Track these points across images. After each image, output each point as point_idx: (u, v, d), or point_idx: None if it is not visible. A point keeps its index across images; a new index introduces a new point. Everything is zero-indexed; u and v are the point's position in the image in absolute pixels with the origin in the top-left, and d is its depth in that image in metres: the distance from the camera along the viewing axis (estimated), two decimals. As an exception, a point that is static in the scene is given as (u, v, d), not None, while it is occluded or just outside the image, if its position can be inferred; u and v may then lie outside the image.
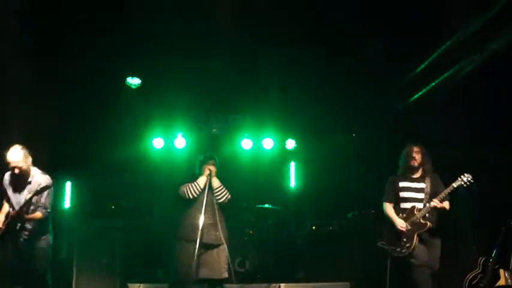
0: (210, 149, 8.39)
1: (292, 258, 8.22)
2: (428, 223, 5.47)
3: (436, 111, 7.38)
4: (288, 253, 8.30)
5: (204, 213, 5.67)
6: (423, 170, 5.74)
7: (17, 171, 5.22)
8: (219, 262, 5.79)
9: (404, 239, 5.50)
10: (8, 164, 5.22)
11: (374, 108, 8.58)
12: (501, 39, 5.89)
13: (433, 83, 7.17)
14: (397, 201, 5.74)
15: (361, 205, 7.99)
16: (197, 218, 5.63)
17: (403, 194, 5.70)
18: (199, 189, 5.77)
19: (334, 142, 8.88)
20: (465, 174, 5.38)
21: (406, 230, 5.50)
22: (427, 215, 5.50)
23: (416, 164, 5.69)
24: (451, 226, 6.95)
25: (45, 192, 5.24)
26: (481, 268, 5.83)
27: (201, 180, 5.82)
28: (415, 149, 5.72)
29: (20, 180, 5.32)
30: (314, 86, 8.44)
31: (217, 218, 5.79)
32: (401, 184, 5.73)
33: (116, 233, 7.39)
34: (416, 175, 5.76)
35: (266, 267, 8.00)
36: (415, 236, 5.47)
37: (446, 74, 6.84)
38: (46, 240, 5.36)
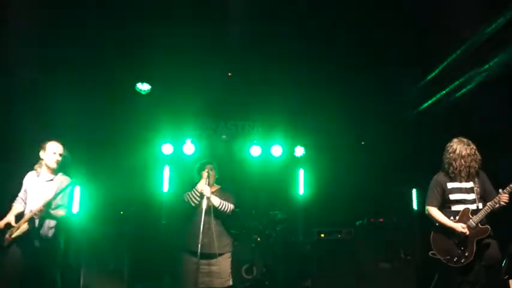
0: (219, 156, 8.47)
1: (300, 265, 8.18)
2: (489, 227, 5.08)
3: (445, 119, 7.35)
4: (296, 261, 8.27)
5: (203, 222, 5.69)
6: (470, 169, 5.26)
7: (59, 159, 5.37)
8: (223, 271, 5.78)
9: (462, 247, 5.09)
10: (52, 152, 5.35)
11: (383, 116, 8.56)
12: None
13: (444, 92, 7.14)
14: (445, 203, 5.31)
15: (369, 213, 7.96)
16: (198, 228, 5.63)
17: (453, 197, 5.25)
18: (198, 195, 5.76)
19: (343, 150, 8.84)
20: None
21: (463, 237, 5.07)
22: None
23: (464, 168, 5.20)
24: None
25: (67, 192, 5.39)
26: (490, 278, 5.76)
27: (199, 186, 5.80)
28: (468, 150, 5.22)
29: (43, 180, 5.41)
30: (323, 94, 8.43)
31: (214, 228, 5.76)
32: (450, 185, 5.27)
33: (124, 238, 7.40)
34: (463, 174, 5.26)
35: (274, 275, 7.97)
36: (474, 243, 5.05)
37: (456, 83, 6.80)
38: (58, 243, 5.40)
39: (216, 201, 5.80)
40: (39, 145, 5.43)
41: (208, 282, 5.70)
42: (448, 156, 5.31)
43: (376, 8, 6.34)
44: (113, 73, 7.85)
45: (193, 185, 5.94)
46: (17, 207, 5.41)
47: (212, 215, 5.74)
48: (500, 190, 5.05)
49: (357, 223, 8.01)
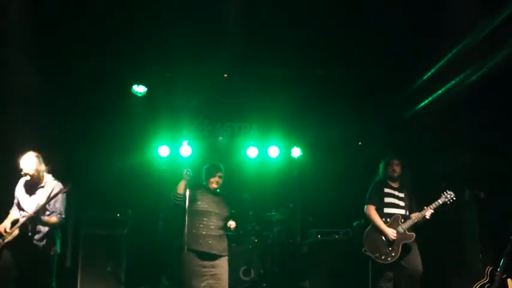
0: (216, 158, 8.45)
1: (298, 267, 8.18)
2: (414, 234, 5.82)
3: (443, 119, 7.36)
4: (293, 262, 8.27)
5: (210, 223, 5.69)
6: (400, 182, 6.21)
7: (28, 177, 5.28)
8: (225, 273, 5.77)
9: (390, 248, 5.82)
10: (20, 170, 5.27)
11: (380, 117, 8.56)
12: (508, 48, 5.85)
13: (439, 91, 7.14)
14: (380, 205, 6.04)
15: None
16: (201, 228, 5.63)
17: (387, 200, 6.06)
18: (179, 196, 5.69)
19: (340, 150, 8.84)
20: (448, 191, 5.80)
21: (392, 240, 5.81)
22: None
23: (396, 175, 6.15)
24: (458, 235, 6.92)
25: (60, 198, 5.34)
26: (488, 277, 5.77)
27: (180, 187, 5.72)
28: (396, 161, 6.18)
29: (33, 186, 5.38)
30: (320, 94, 8.43)
31: (222, 230, 5.83)
32: (386, 190, 6.12)
33: (121, 240, 7.38)
34: (396, 185, 6.18)
35: (271, 276, 7.96)
36: (400, 246, 5.79)
37: (452, 82, 6.80)
38: (54, 248, 5.39)
39: (233, 225, 5.93)
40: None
41: (213, 284, 5.67)
42: (382, 167, 6.28)
43: (372, 10, 6.34)
44: (108, 75, 7.84)
45: (199, 185, 5.97)
46: (13, 214, 5.39)
47: (221, 217, 5.80)
48: (425, 207, 5.83)
49: (354, 224, 8.00)
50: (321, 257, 7.81)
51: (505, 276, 5.66)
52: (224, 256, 5.81)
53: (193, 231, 5.70)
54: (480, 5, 5.72)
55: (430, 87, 7.33)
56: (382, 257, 5.80)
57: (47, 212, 5.29)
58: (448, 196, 5.77)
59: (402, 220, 5.89)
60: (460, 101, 6.93)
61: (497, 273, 5.68)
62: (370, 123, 8.71)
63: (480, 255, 6.51)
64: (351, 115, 8.67)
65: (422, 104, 7.62)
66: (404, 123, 8.31)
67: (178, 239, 5.73)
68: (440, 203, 5.80)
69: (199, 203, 5.81)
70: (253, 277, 7.79)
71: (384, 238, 5.86)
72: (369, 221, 6.04)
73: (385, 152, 8.07)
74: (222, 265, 5.77)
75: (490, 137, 6.59)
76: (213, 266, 5.70)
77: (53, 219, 5.31)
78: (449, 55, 6.57)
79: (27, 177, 5.29)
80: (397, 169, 6.14)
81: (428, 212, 5.78)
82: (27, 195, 5.36)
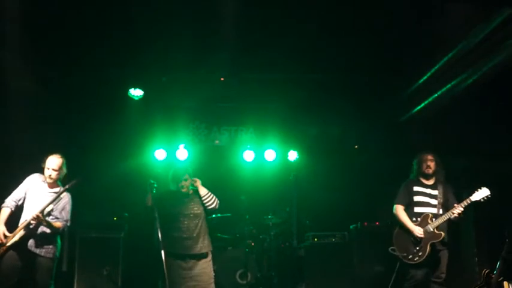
0: (212, 161, 8.47)
1: (294, 270, 8.18)
2: (443, 233, 5.65)
3: (439, 122, 7.38)
4: (290, 265, 8.27)
5: (183, 225, 5.69)
6: (436, 178, 5.96)
7: (54, 175, 5.36)
8: (206, 274, 5.75)
9: (417, 248, 5.68)
10: (46, 167, 5.38)
11: (376, 120, 8.58)
12: (504, 51, 5.89)
13: (435, 95, 7.17)
14: (409, 204, 5.91)
15: (363, 217, 7.97)
16: (173, 231, 5.70)
17: (417, 198, 5.89)
18: (149, 207, 5.73)
19: (337, 154, 8.86)
20: (482, 187, 5.52)
21: (419, 239, 5.66)
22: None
23: (430, 171, 5.94)
24: (454, 238, 6.93)
25: (67, 207, 5.46)
26: (484, 280, 5.78)
27: (148, 200, 5.77)
28: (430, 157, 5.98)
29: (44, 189, 5.45)
30: (317, 98, 8.45)
31: (201, 230, 5.78)
32: (416, 188, 5.94)
33: (117, 244, 7.37)
34: (430, 182, 5.98)
35: (268, 279, 7.96)
36: (428, 246, 5.63)
37: (448, 86, 6.83)
38: (53, 252, 5.41)
39: (203, 190, 5.84)
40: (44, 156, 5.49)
41: (194, 286, 5.67)
42: (415, 164, 6.09)
43: (369, 13, 6.36)
44: (105, 79, 7.83)
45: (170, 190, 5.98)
46: (5, 211, 5.33)
47: (195, 218, 5.76)
48: (455, 204, 5.66)
49: (351, 227, 8.01)
50: (318, 260, 7.80)
51: (501, 279, 5.66)
52: (205, 256, 5.79)
53: (168, 235, 5.72)
54: (476, 9, 5.75)
55: (427, 90, 7.36)
56: (410, 257, 5.69)
57: (51, 217, 5.33)
58: (482, 193, 5.49)
59: (432, 219, 5.72)
60: (459, 103, 6.96)
61: (493, 275, 5.69)
62: (367, 127, 8.73)
63: (476, 258, 6.53)
64: (347, 118, 8.70)
65: (420, 107, 7.66)
66: (400, 126, 8.33)
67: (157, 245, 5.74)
68: (472, 200, 5.54)
69: (169, 207, 5.86)
70: (250, 280, 7.78)
71: (412, 237, 5.73)
72: (397, 220, 5.94)
73: (382, 155, 8.14)
74: (201, 266, 5.75)
75: (487, 140, 6.61)
76: (191, 268, 5.70)
77: (58, 223, 5.37)
78: (445, 58, 6.60)
79: (51, 176, 5.37)
80: (432, 165, 5.95)
81: (456, 211, 5.56)
82: (40, 196, 5.38)
